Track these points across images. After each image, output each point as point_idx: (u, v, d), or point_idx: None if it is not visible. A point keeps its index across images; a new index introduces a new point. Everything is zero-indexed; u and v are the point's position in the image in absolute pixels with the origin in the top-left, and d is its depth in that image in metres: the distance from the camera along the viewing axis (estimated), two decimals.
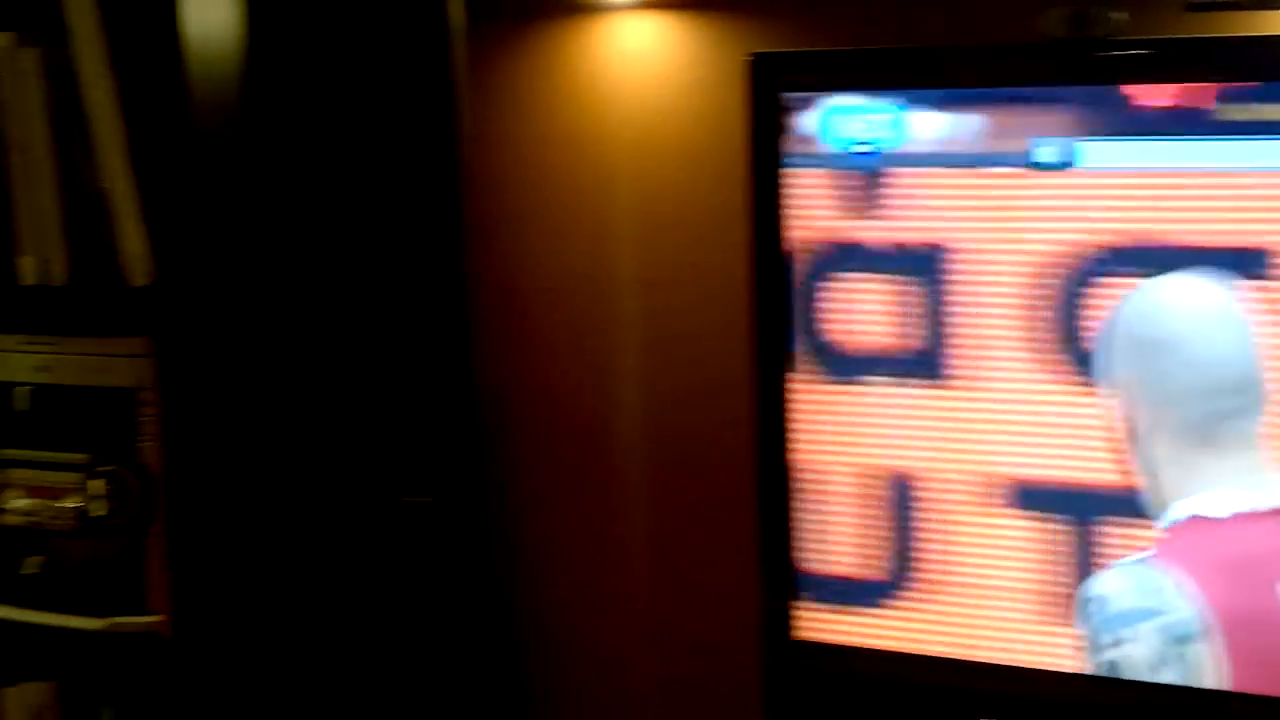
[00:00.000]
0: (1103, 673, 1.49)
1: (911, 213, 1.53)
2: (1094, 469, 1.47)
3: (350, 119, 1.84)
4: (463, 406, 1.81)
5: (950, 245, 1.52)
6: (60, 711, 1.80)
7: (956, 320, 1.52)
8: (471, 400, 1.82)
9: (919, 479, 1.56)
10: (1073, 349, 1.48)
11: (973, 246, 1.51)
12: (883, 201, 1.54)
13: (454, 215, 1.79)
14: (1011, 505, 1.52)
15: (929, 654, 1.57)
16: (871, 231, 1.55)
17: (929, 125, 1.52)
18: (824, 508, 1.61)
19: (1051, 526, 1.50)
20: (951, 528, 1.55)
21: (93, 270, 1.73)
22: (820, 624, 1.62)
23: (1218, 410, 1.43)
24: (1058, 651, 1.51)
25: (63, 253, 1.73)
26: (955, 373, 1.53)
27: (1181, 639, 1.45)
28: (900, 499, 1.57)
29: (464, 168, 1.79)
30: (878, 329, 1.56)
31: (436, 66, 1.77)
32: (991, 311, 1.51)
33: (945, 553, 1.55)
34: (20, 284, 1.76)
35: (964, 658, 1.56)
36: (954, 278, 1.52)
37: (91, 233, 1.72)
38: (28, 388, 1.80)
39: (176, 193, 1.66)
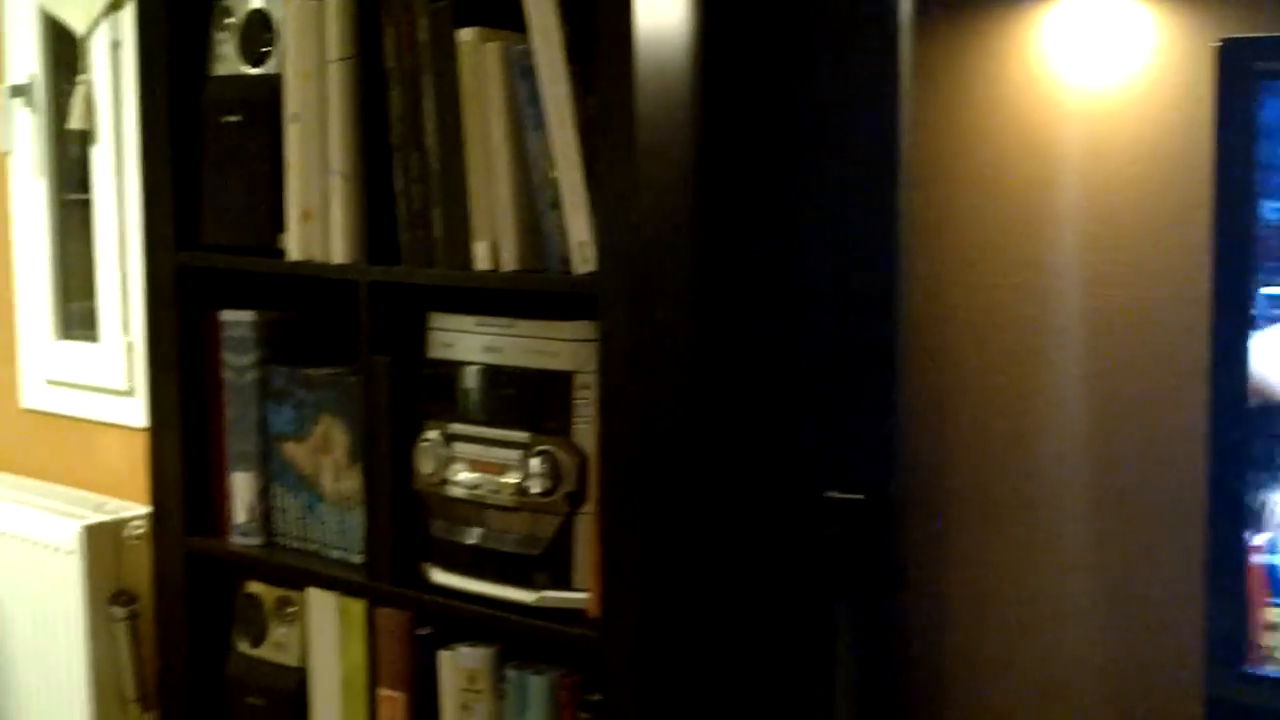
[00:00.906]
0: None
1: None
2: None
3: (794, 112, 1.84)
4: (890, 404, 1.78)
5: None
6: (493, 677, 1.88)
7: None
8: (899, 398, 1.79)
9: None
10: None
11: None
12: None
13: (891, 209, 1.76)
14: None
15: None
16: None
17: None
18: None
19: None
20: None
21: (541, 257, 1.81)
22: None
23: None
24: None
25: (514, 239, 1.81)
26: None
27: None
28: None
29: (904, 162, 1.76)
30: None
31: (882, 59, 1.74)
32: None
33: None
34: (472, 268, 1.85)
35: None
36: None
37: (541, 220, 1.80)
38: (478, 367, 1.89)
39: (622, 183, 1.70)
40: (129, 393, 2.88)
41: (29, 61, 3.02)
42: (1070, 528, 1.81)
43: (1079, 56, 1.74)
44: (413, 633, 1.96)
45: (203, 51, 2.16)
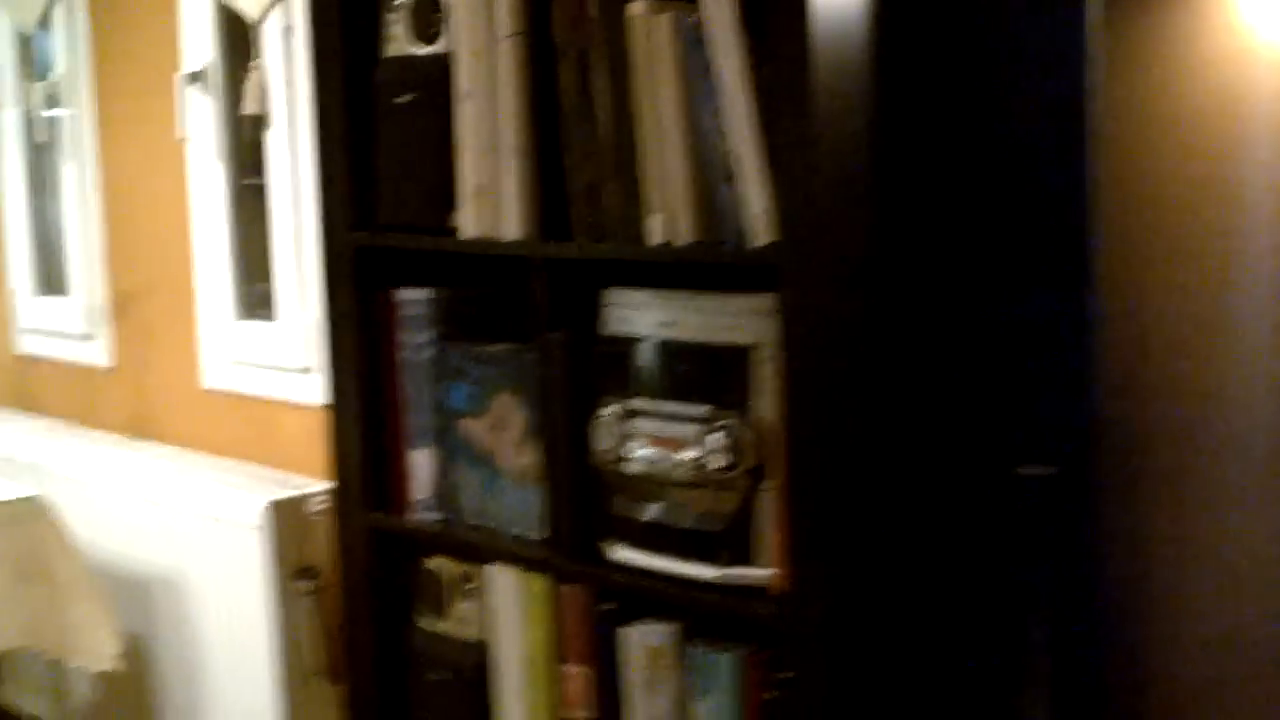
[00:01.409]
0: None
1: None
2: None
3: (976, 74, 1.79)
4: (1086, 375, 1.72)
5: None
6: (678, 654, 1.87)
7: None
8: (1096, 369, 1.72)
9: None
10: None
11: None
12: None
13: (1081, 174, 1.70)
14: None
15: None
16: None
17: None
18: None
19: None
20: None
21: (716, 230, 1.78)
22: None
23: None
24: None
25: (689, 212, 1.79)
26: None
27: None
28: None
29: (1094, 127, 1.69)
30: None
31: (1070, 16, 1.68)
32: None
33: None
34: (646, 242, 1.84)
35: None
36: None
37: (715, 192, 1.77)
38: (654, 342, 1.88)
39: (800, 152, 1.66)
40: (307, 371, 2.93)
41: (204, 49, 3.09)
42: (1272, 503, 1.73)
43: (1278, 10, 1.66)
44: (594, 609, 1.96)
45: (373, 33, 2.18)
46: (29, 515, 2.59)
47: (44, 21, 3.54)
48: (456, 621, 2.17)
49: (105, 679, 3.01)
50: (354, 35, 2.20)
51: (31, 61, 3.68)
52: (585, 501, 1.97)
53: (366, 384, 2.26)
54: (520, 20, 1.93)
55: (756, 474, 1.77)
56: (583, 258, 1.94)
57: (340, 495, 2.32)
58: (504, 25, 1.94)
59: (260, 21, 2.91)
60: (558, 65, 1.91)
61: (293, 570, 2.79)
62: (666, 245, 1.82)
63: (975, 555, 1.81)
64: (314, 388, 2.90)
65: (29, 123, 3.70)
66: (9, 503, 2.59)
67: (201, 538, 2.89)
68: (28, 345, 3.76)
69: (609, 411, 1.91)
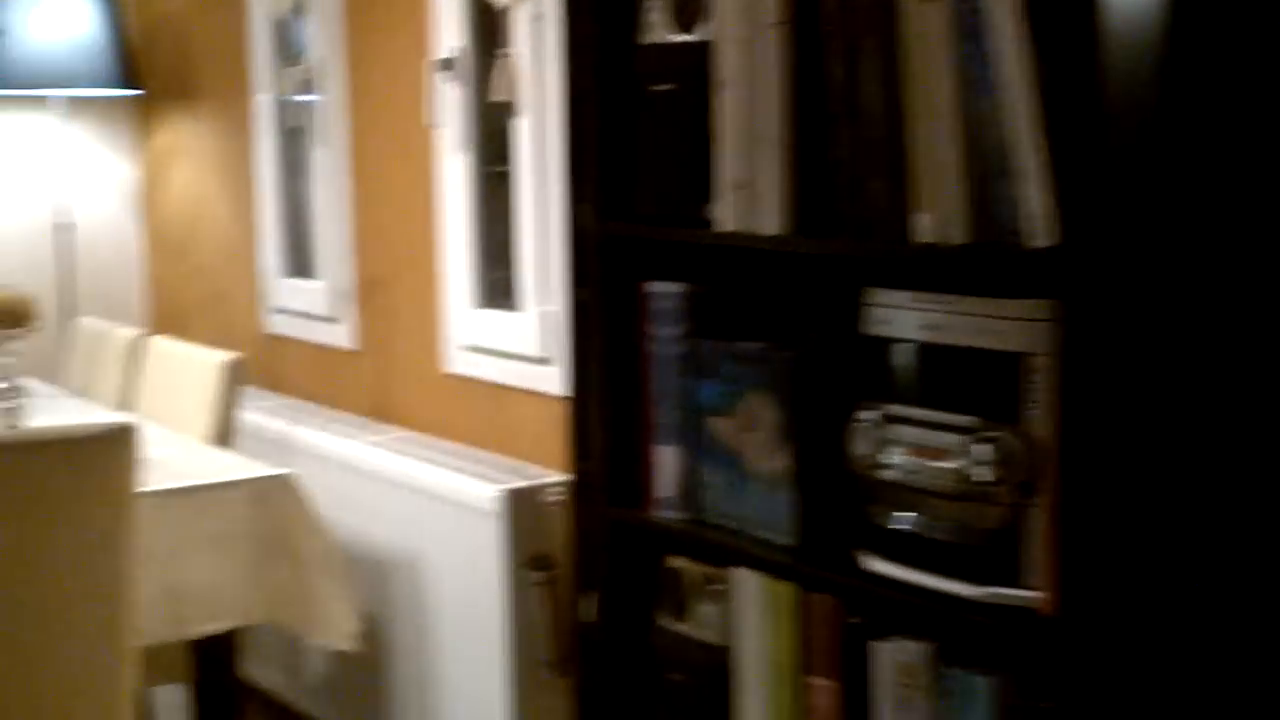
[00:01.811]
0: None
1: None
2: None
3: (1270, 83, 1.65)
4: None
5: None
6: (932, 673, 1.79)
7: None
8: None
9: None
10: None
11: None
12: None
13: None
14: None
15: None
16: None
17: None
18: None
19: None
20: None
21: (989, 230, 1.69)
22: None
23: None
24: None
25: (961, 210, 1.70)
26: None
27: None
28: None
29: None
30: None
31: None
32: None
33: None
34: (913, 241, 1.75)
35: None
36: None
37: (990, 190, 1.68)
38: (917, 345, 1.80)
39: (1086, 151, 1.56)
40: (546, 361, 2.93)
41: (455, 36, 3.10)
42: None
43: None
44: (843, 621, 1.88)
45: (625, 20, 2.14)
46: (278, 492, 2.63)
47: (298, 8, 3.62)
48: (697, 623, 2.12)
49: (341, 657, 3.06)
50: (607, 22, 2.17)
51: (286, 47, 3.77)
52: (837, 508, 1.90)
53: (611, 377, 2.23)
54: (786, 8, 1.87)
55: (1024, 489, 1.67)
56: (843, 255, 1.86)
57: (578, 487, 2.29)
58: (769, 13, 1.88)
59: (511, 8, 2.91)
60: (825, 54, 1.83)
61: (526, 559, 2.79)
62: (935, 245, 1.73)
63: (1267, 582, 1.68)
64: (554, 378, 2.89)
65: (282, 107, 3.79)
66: (259, 480, 2.64)
67: (438, 522, 2.91)
68: (277, 325, 3.86)
69: (867, 416, 1.83)
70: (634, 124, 2.12)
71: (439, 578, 2.93)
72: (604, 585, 2.26)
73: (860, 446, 1.84)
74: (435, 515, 2.92)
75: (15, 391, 2.81)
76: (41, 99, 4.11)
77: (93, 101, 4.25)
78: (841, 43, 1.81)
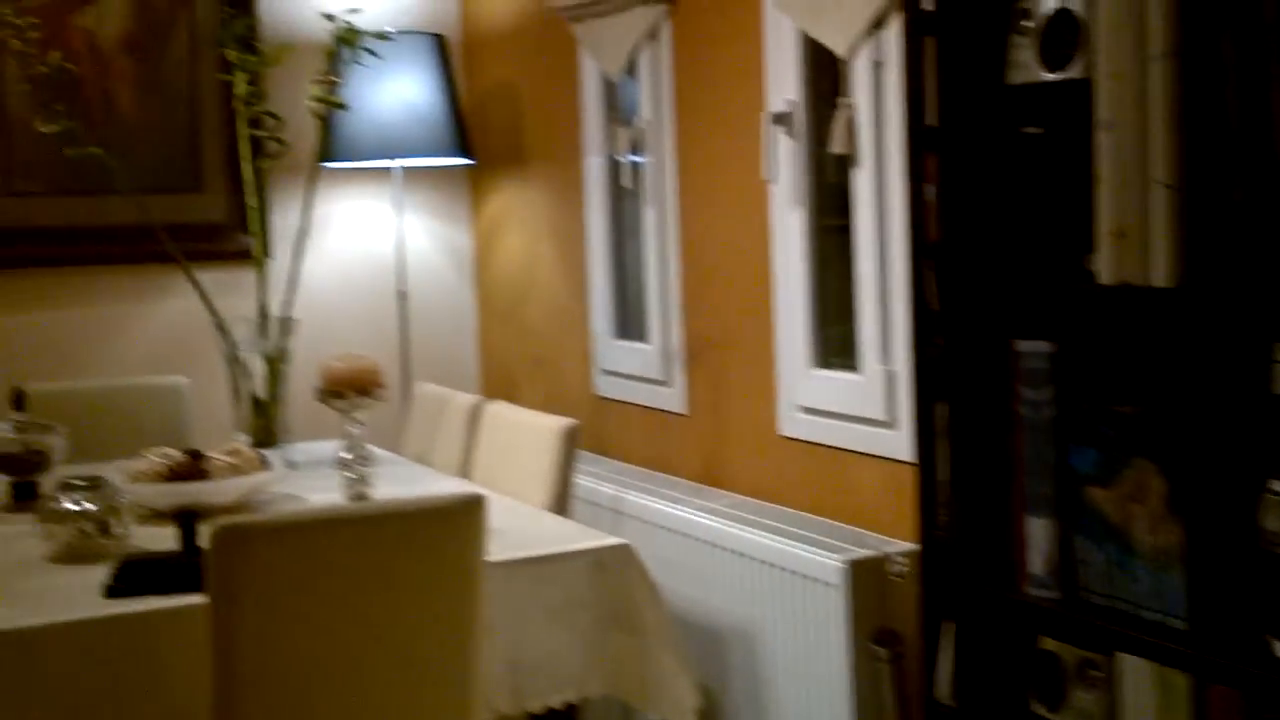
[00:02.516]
0: None
1: None
2: None
3: None
4: None
5: None
6: None
7: None
8: None
9: None
10: None
11: None
12: None
13: None
14: None
15: None
16: None
17: None
18: None
19: None
20: None
21: None
22: None
23: None
24: None
25: None
26: None
27: None
28: None
29: None
30: None
31: None
32: None
33: None
34: None
35: None
36: None
37: None
38: None
39: None
40: (889, 424, 2.79)
41: (789, 87, 3.02)
42: None
43: None
44: (1250, 716, 1.68)
45: (977, 61, 2.01)
46: (617, 562, 2.57)
47: (630, 68, 3.61)
48: (1076, 714, 1.93)
49: None
50: (952, 67, 2.04)
51: (616, 107, 3.76)
52: (1242, 589, 1.70)
53: (965, 442, 2.08)
54: (1176, 37, 1.70)
55: None
56: (1248, 307, 1.67)
57: (927, 559, 2.14)
58: (1156, 44, 1.71)
59: (850, 56, 2.80)
60: (1226, 87, 1.65)
61: (871, 634, 2.64)
62: None
63: None
64: (897, 442, 2.74)
65: (613, 168, 3.78)
66: (599, 549, 2.58)
67: (775, 592, 2.80)
68: (606, 388, 3.84)
69: None
70: (992, 170, 1.98)
71: (777, 650, 2.82)
72: (962, 666, 2.10)
73: (1272, 521, 1.63)
74: (773, 585, 2.81)
75: (363, 460, 2.85)
76: (383, 170, 4.23)
77: (428, 171, 4.36)
78: (1241, 73, 1.63)
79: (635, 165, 3.64)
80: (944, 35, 2.05)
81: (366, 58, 3.50)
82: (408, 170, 4.25)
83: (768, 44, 3.07)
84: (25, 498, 2.99)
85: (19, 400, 3.12)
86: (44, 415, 3.16)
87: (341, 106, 3.60)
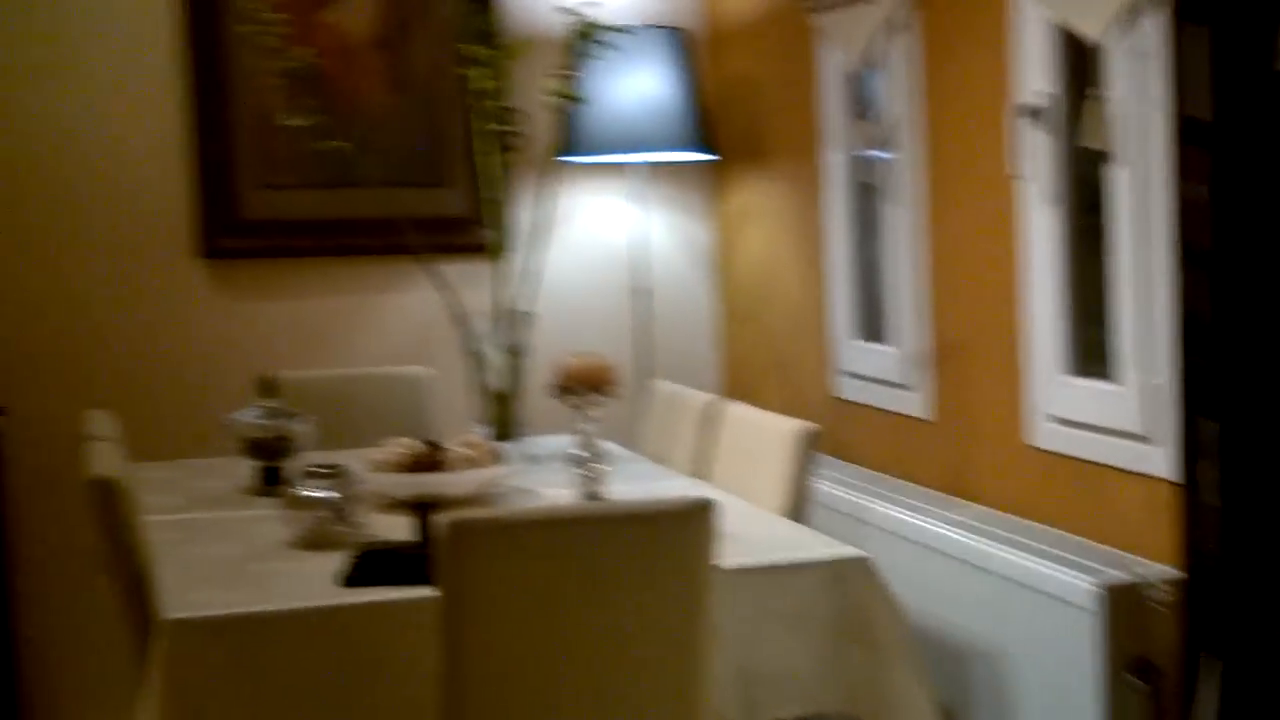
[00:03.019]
0: None
1: None
2: None
3: None
4: None
5: None
6: None
7: None
8: None
9: None
10: None
11: None
12: None
13: None
14: None
15: None
16: None
17: None
18: None
19: None
20: None
21: None
22: None
23: None
24: None
25: None
26: None
27: None
28: None
29: None
30: None
31: None
32: None
33: None
34: None
35: None
36: None
37: None
38: None
39: None
40: (1149, 439, 2.61)
41: (1041, 79, 2.87)
42: None
43: None
44: None
45: (1248, 50, 1.85)
46: (854, 574, 2.48)
47: (872, 60, 3.49)
48: None
49: None
50: (1224, 56, 1.88)
51: (858, 101, 3.65)
52: None
53: (1235, 462, 1.92)
54: None
55: None
56: None
57: (1191, 587, 1.99)
58: None
59: (1103, 42, 2.64)
60: None
61: (1126, 664, 2.48)
62: None
63: None
64: (1158, 458, 2.57)
65: (854, 164, 3.68)
66: (836, 560, 2.49)
67: (1022, 612, 2.66)
68: (846, 391, 3.73)
69: None
70: (1268, 168, 1.82)
71: (1022, 674, 2.67)
72: (1227, 706, 1.95)
73: None
74: (1020, 605, 2.67)
75: (597, 458, 2.82)
76: (619, 165, 4.21)
77: (668, 166, 4.32)
78: None
79: (880, 161, 3.53)
80: (1215, 21, 1.89)
81: (605, 52, 3.47)
82: (646, 165, 4.22)
83: (1016, 32, 2.93)
84: (273, 483, 3.06)
85: (270, 387, 3.19)
86: (293, 402, 3.24)
87: (579, 101, 3.59)
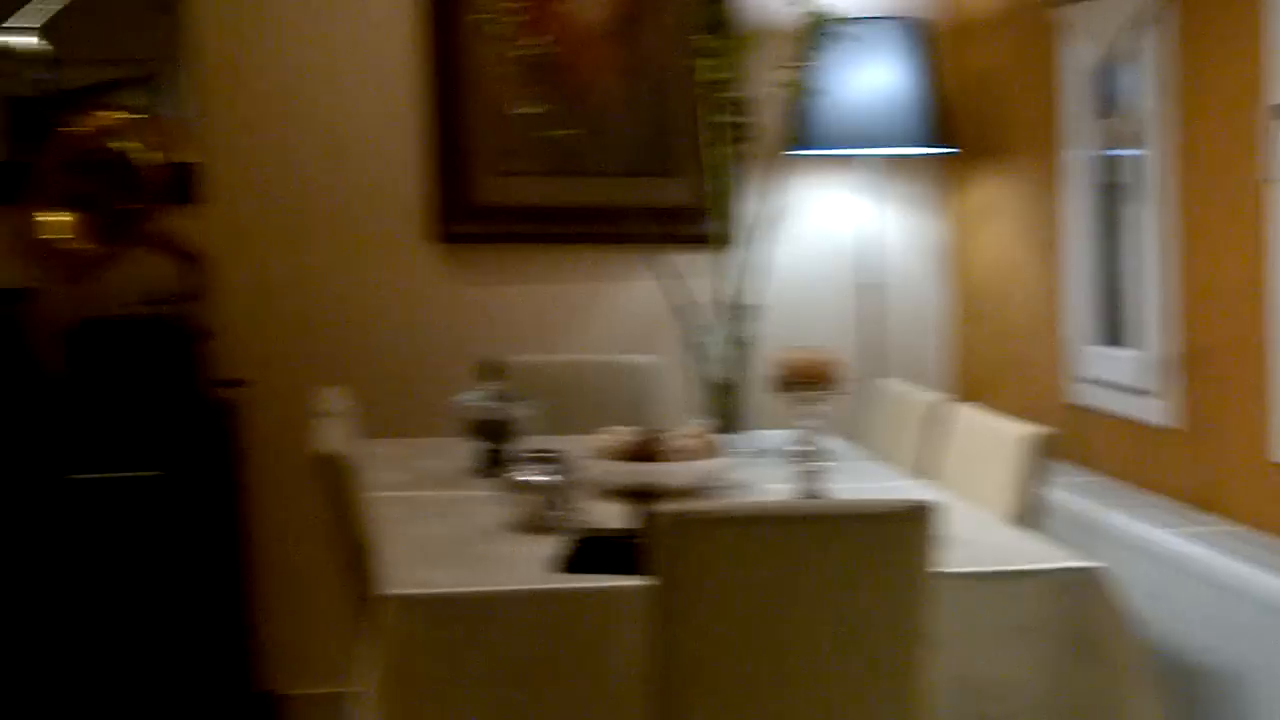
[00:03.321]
0: None
1: None
2: None
3: None
4: None
5: None
6: None
7: None
8: None
9: None
10: None
11: None
12: None
13: None
14: None
15: None
16: None
17: None
18: None
19: None
20: None
21: None
22: None
23: None
24: None
25: None
26: None
27: None
28: None
29: None
30: None
31: None
32: None
33: None
34: None
35: None
36: None
37: None
38: None
39: None
40: None
41: None
42: None
43: None
44: None
45: None
46: (1086, 586, 2.36)
47: (1119, 55, 3.34)
48: None
49: None
50: None
51: (1103, 98, 3.50)
52: None
53: None
54: None
55: None
56: None
57: None
58: None
59: None
60: None
61: None
62: None
63: None
64: None
65: (1096, 163, 3.52)
66: (1065, 570, 2.38)
67: (1271, 636, 2.50)
68: (1082, 396, 3.58)
69: None
70: None
71: (1267, 703, 2.51)
72: None
73: None
74: (1269, 629, 2.51)
75: (818, 455, 2.75)
76: (848, 158, 4.13)
77: (903, 160, 4.22)
78: None
79: (1125, 159, 3.37)
80: None
81: (839, 44, 3.40)
82: (878, 159, 4.13)
83: (1272, 32, 2.75)
84: (495, 465, 3.08)
85: (495, 370, 3.22)
86: (518, 386, 3.26)
87: (810, 93, 3.52)
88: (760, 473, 3.04)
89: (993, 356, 4.12)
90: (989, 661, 2.34)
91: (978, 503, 2.86)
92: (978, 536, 2.58)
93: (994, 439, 2.97)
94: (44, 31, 3.74)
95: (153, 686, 3.46)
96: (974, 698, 2.33)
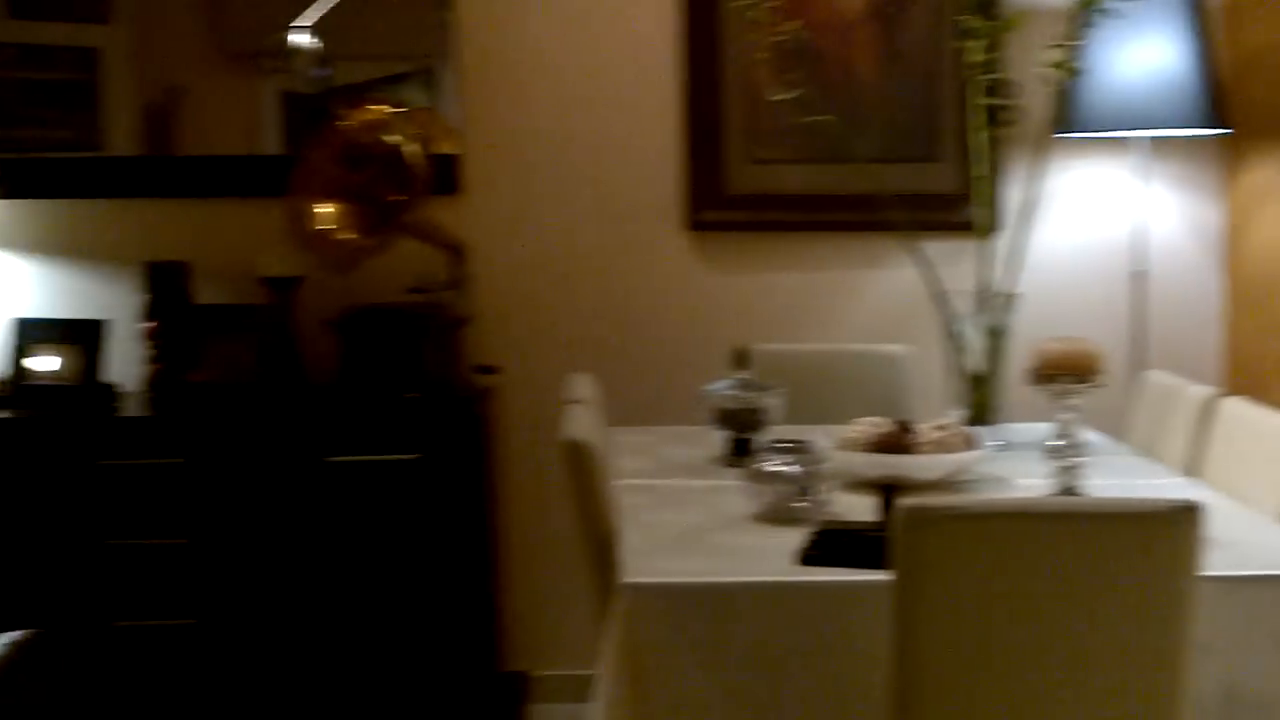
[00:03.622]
0: None
1: None
2: None
3: None
4: None
5: None
6: None
7: None
8: None
9: None
10: None
11: None
12: None
13: None
14: None
15: None
16: None
17: None
18: None
19: None
20: None
21: None
22: None
23: None
24: None
25: None
26: None
27: None
28: None
29: None
30: None
31: None
32: None
33: None
34: None
35: None
36: None
37: None
38: None
39: None
40: None
41: None
42: None
43: None
44: None
45: None
46: None
47: None
48: None
49: None
50: None
51: None
52: None
53: None
54: None
55: None
56: None
57: None
58: None
59: None
60: None
61: None
62: None
63: None
64: None
65: None
66: None
67: None
68: None
69: None
70: None
71: None
72: None
73: None
74: None
75: (1076, 450, 2.64)
76: (1119, 141, 3.96)
77: (1175, 142, 4.01)
78: None
79: None
80: None
81: (1109, 22, 3.25)
82: (1154, 141, 3.94)
83: None
84: (741, 454, 3.07)
85: (743, 359, 3.20)
86: (765, 375, 3.23)
87: (1079, 73, 3.38)
88: (1015, 467, 2.94)
89: (1267, 348, 3.89)
90: (1257, 671, 2.21)
91: (1247, 502, 2.70)
92: (1247, 538, 2.44)
93: (1266, 436, 2.79)
94: (320, 29, 3.88)
95: (404, 662, 3.56)
96: (1240, 709, 2.20)
